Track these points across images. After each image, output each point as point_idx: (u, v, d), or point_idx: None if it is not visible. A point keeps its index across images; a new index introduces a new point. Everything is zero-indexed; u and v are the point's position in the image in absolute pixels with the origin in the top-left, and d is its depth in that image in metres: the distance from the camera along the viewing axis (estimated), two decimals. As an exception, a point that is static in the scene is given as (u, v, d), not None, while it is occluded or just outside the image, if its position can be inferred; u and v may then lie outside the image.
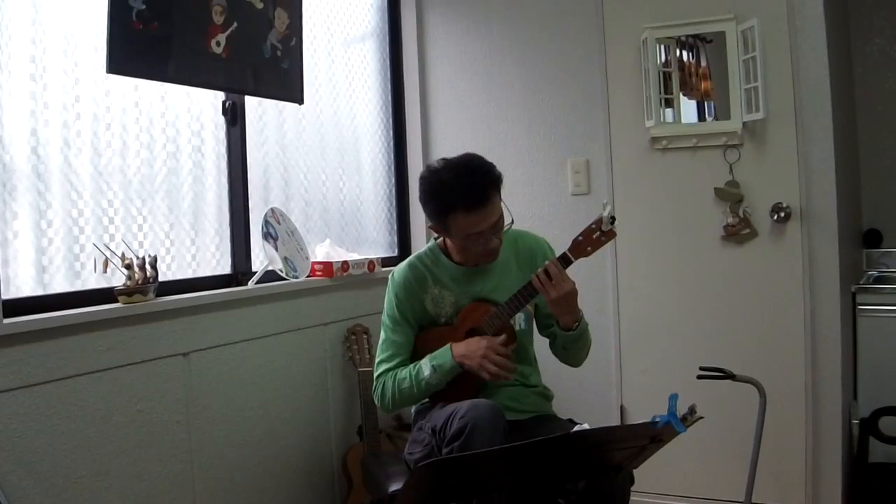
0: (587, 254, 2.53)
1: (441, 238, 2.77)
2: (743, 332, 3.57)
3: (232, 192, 3.26)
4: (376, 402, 2.74)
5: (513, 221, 2.63)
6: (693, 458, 3.57)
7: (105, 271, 2.63)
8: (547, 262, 2.52)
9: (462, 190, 2.48)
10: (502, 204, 2.57)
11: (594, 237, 2.52)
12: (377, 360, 2.74)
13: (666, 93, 3.61)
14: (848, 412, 3.56)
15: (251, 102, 3.31)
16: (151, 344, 2.69)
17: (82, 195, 2.67)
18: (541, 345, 2.84)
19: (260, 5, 3.13)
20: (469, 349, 2.56)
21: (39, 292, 2.52)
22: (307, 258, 3.44)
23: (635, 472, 2.38)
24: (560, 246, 2.72)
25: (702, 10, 3.52)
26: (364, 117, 4.10)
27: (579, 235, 2.54)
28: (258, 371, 3.14)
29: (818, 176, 3.40)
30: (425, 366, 2.60)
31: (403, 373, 2.65)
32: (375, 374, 2.73)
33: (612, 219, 2.49)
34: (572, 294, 2.52)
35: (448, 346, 2.60)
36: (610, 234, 2.52)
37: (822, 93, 3.37)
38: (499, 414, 2.37)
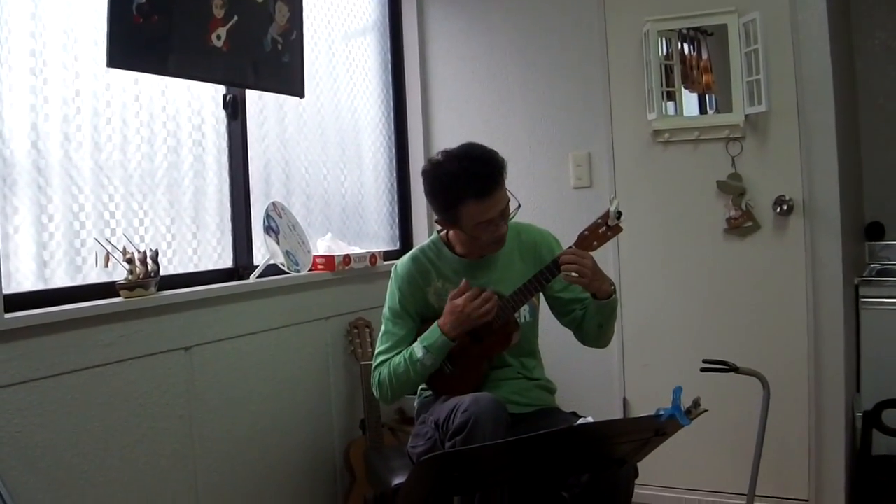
0: (592, 248, 2.52)
1: (444, 231, 2.77)
2: (746, 325, 3.56)
3: (233, 186, 3.25)
4: (374, 392, 2.73)
5: (520, 206, 2.62)
6: (697, 450, 3.57)
7: (106, 266, 2.62)
8: (561, 256, 2.51)
9: (471, 178, 2.48)
10: (507, 190, 2.57)
11: (600, 232, 2.51)
12: (377, 351, 2.73)
13: (668, 86, 3.60)
14: (851, 405, 3.56)
15: (252, 96, 3.30)
16: (153, 338, 2.68)
17: (83, 190, 2.66)
18: (544, 338, 2.83)
19: (260, -1, 3.12)
20: (451, 319, 2.55)
21: (41, 287, 2.52)
22: (309, 252, 3.44)
23: (639, 465, 2.37)
24: (563, 239, 2.72)
25: (703, 3, 3.51)
26: (365, 111, 4.09)
27: (585, 230, 2.53)
28: (260, 365, 3.13)
29: (820, 169, 3.39)
30: (417, 348, 2.59)
31: (398, 359, 2.63)
32: (374, 365, 2.72)
33: (619, 214, 2.48)
34: (595, 263, 2.52)
35: (434, 324, 2.59)
36: (616, 230, 2.50)
37: (825, 85, 3.36)
38: (501, 408, 2.37)
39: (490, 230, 2.55)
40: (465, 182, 2.48)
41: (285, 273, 3.25)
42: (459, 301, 2.55)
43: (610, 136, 3.78)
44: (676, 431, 2.05)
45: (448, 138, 4.03)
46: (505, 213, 2.56)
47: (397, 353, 2.66)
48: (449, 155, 2.56)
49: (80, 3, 2.64)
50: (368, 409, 3.38)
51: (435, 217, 2.67)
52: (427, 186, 2.60)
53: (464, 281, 2.59)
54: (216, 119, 3.19)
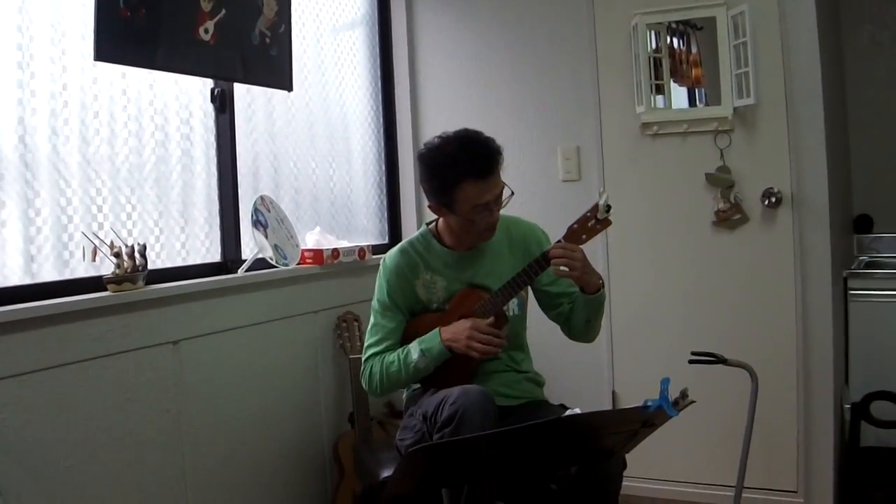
0: (581, 242, 2.51)
1: (433, 223, 2.77)
2: (735, 317, 3.57)
3: (221, 180, 3.24)
4: (364, 385, 2.73)
5: (513, 193, 2.62)
6: (685, 442, 3.58)
7: (94, 260, 2.61)
8: (551, 249, 2.51)
9: (470, 159, 2.49)
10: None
11: (589, 225, 2.51)
12: (366, 344, 2.73)
13: (656, 79, 3.60)
14: (840, 397, 3.57)
15: (240, 90, 3.29)
16: (141, 332, 2.68)
17: (70, 184, 2.65)
18: (533, 330, 2.83)
19: (248, -8, 3.11)
20: (455, 332, 2.56)
21: (28, 281, 2.51)
22: (297, 246, 3.43)
23: (627, 456, 2.37)
24: (551, 233, 2.72)
25: (692, -4, 3.52)
26: (353, 105, 4.09)
27: (574, 223, 2.52)
28: (248, 359, 3.13)
29: (809, 161, 3.40)
30: (414, 349, 2.59)
31: (391, 356, 2.64)
32: (363, 358, 2.72)
33: (608, 207, 2.48)
34: (585, 257, 2.51)
35: (437, 330, 2.59)
36: (605, 223, 2.50)
37: (813, 78, 3.37)
38: (489, 400, 2.37)
39: (484, 215, 2.56)
40: (464, 162, 2.49)
41: (274, 267, 3.25)
42: (471, 324, 2.54)
43: (599, 130, 3.78)
44: (664, 423, 2.05)
45: (436, 132, 3.96)
46: (499, 200, 2.57)
47: (388, 347, 2.67)
48: (447, 138, 2.57)
49: (67, -4, 2.63)
50: (357, 402, 3.38)
51: (428, 203, 2.65)
52: (424, 169, 2.59)
53: (494, 322, 2.57)
54: (204, 113, 3.18)
